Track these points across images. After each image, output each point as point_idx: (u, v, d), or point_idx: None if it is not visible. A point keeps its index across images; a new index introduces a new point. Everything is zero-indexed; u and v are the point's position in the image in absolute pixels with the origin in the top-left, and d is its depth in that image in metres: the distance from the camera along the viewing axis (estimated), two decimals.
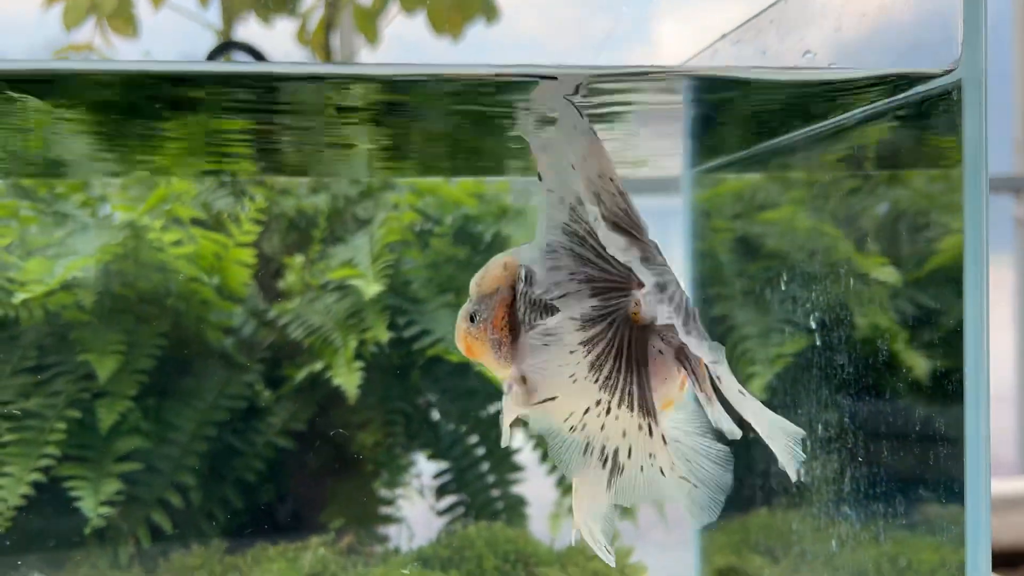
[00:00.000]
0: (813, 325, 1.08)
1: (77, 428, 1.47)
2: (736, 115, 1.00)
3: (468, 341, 0.66)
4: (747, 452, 1.35)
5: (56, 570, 1.41)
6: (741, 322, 1.37)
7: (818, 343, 1.06)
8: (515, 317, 0.64)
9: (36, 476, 1.37)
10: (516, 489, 1.84)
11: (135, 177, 1.53)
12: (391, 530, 1.71)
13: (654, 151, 1.23)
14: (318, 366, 1.57)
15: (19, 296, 1.34)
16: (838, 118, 0.95)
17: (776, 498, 1.22)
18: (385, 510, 1.74)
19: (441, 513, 1.80)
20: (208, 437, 1.53)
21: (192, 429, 1.53)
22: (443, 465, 1.84)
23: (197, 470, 1.51)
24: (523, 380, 0.62)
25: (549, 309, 0.62)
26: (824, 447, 1.04)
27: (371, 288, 1.56)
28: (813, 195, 1.16)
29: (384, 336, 1.55)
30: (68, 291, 1.47)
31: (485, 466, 1.84)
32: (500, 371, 0.66)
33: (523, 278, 0.64)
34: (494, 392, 1.79)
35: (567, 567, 1.35)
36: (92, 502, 1.34)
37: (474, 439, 1.86)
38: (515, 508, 1.81)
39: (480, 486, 1.81)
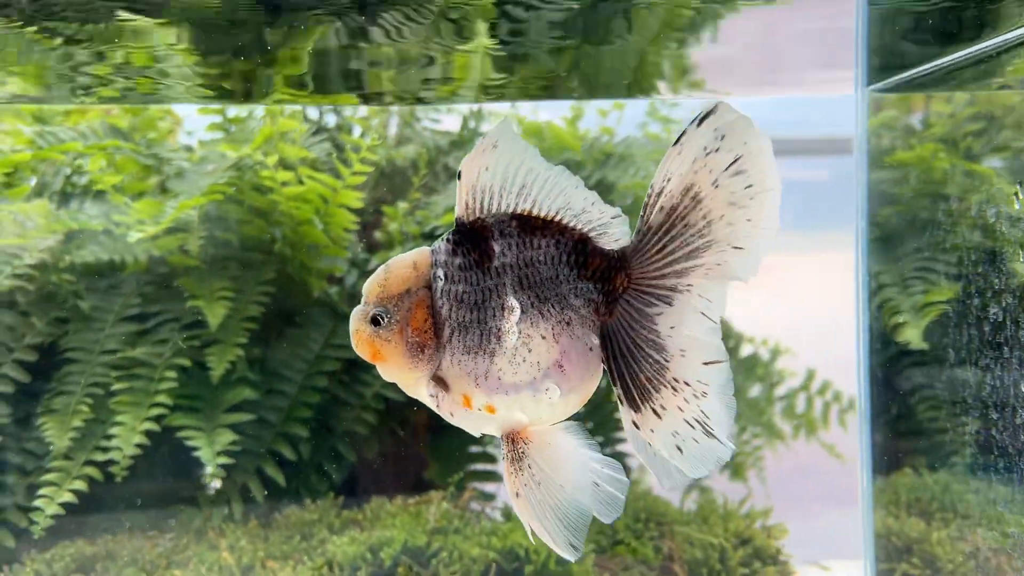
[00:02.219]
0: None
1: (186, 378, 1.40)
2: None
3: (375, 345, 0.63)
4: (911, 415, 1.25)
5: (170, 522, 1.36)
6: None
7: None
8: (438, 317, 0.62)
9: (149, 425, 1.31)
10: (620, 448, 1.77)
11: (238, 117, 1.46)
12: (501, 487, 1.64)
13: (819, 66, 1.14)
14: None
15: (133, 235, 1.27)
16: None
17: (947, 458, 1.13)
18: (493, 467, 1.67)
19: None
20: (317, 388, 1.47)
21: (301, 380, 1.47)
22: None
23: (307, 421, 1.44)
24: (443, 382, 0.63)
25: (480, 306, 0.61)
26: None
27: None
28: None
29: None
30: (175, 235, 1.41)
31: (588, 425, 1.77)
32: (408, 375, 0.64)
33: (441, 276, 0.62)
34: None
35: (703, 527, 1.27)
36: (209, 452, 1.27)
37: None
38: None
39: None
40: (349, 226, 1.53)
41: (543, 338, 0.61)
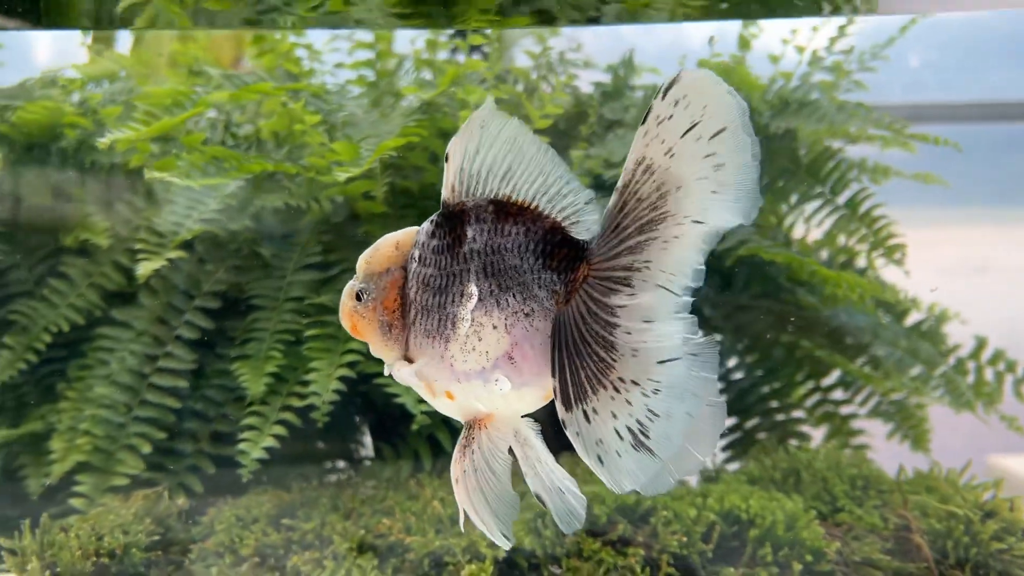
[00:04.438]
0: None
1: None
2: None
3: (354, 320, 0.64)
4: None
5: (360, 472, 1.33)
6: None
7: None
8: (406, 298, 0.62)
9: (344, 371, 1.28)
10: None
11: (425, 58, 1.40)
12: None
13: None
14: None
15: (340, 175, 1.23)
16: None
17: None
18: None
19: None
20: None
21: None
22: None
23: None
24: (410, 364, 0.62)
25: (443, 291, 0.60)
26: None
27: None
28: None
29: None
30: (365, 180, 1.37)
31: (765, 389, 1.68)
32: (385, 353, 0.64)
33: (416, 258, 0.62)
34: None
35: (931, 496, 1.17)
36: (411, 398, 1.24)
37: (752, 357, 1.71)
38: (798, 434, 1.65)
39: (762, 409, 1.65)
40: None
41: (494, 328, 0.59)
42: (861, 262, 1.73)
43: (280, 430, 1.27)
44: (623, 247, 0.56)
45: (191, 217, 1.40)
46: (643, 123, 0.55)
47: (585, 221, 0.60)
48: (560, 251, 0.59)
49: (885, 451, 1.71)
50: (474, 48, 1.60)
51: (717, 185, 0.55)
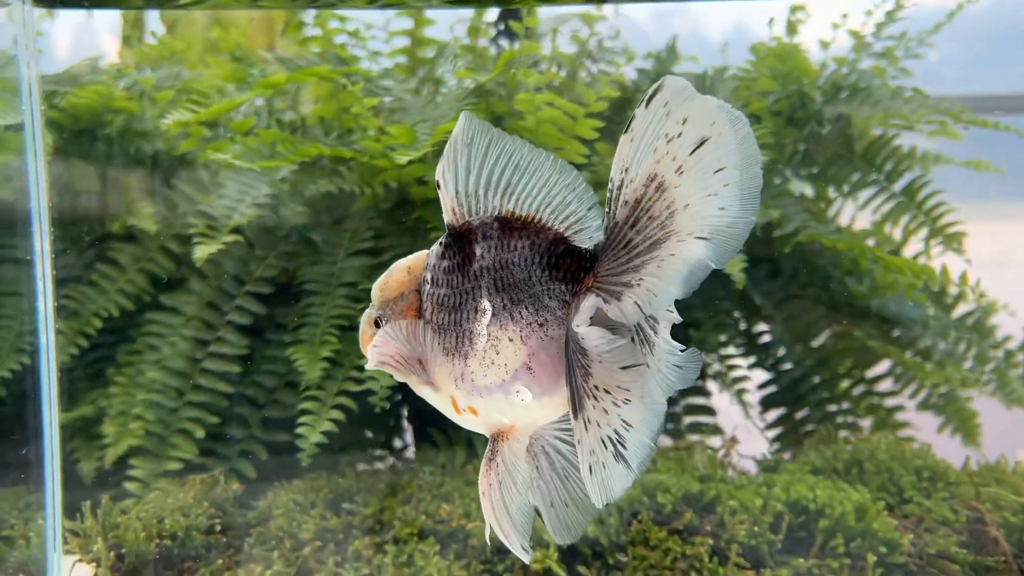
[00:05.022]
0: None
1: None
2: None
3: None
4: None
5: (428, 453, 1.32)
6: None
7: None
8: (423, 320, 0.63)
9: None
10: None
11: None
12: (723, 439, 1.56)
13: None
14: None
15: (401, 158, 1.22)
16: None
17: None
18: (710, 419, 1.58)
19: (770, 426, 1.64)
20: None
21: None
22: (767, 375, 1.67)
23: None
24: (433, 385, 0.63)
25: (457, 309, 0.61)
26: None
27: None
28: None
29: None
30: (419, 165, 1.35)
31: (815, 379, 1.66)
32: (407, 376, 0.64)
33: (428, 279, 0.63)
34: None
35: (1002, 488, 1.14)
36: None
37: (801, 347, 1.68)
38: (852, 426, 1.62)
39: (814, 399, 1.63)
40: (579, 160, 1.45)
41: (510, 340, 0.60)
42: (908, 251, 1.71)
43: (337, 414, 1.26)
44: (631, 265, 0.57)
45: (243, 202, 1.40)
46: (631, 133, 0.55)
47: (587, 228, 0.61)
48: (565, 261, 0.60)
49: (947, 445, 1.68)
50: (516, 34, 1.58)
51: (726, 202, 0.55)
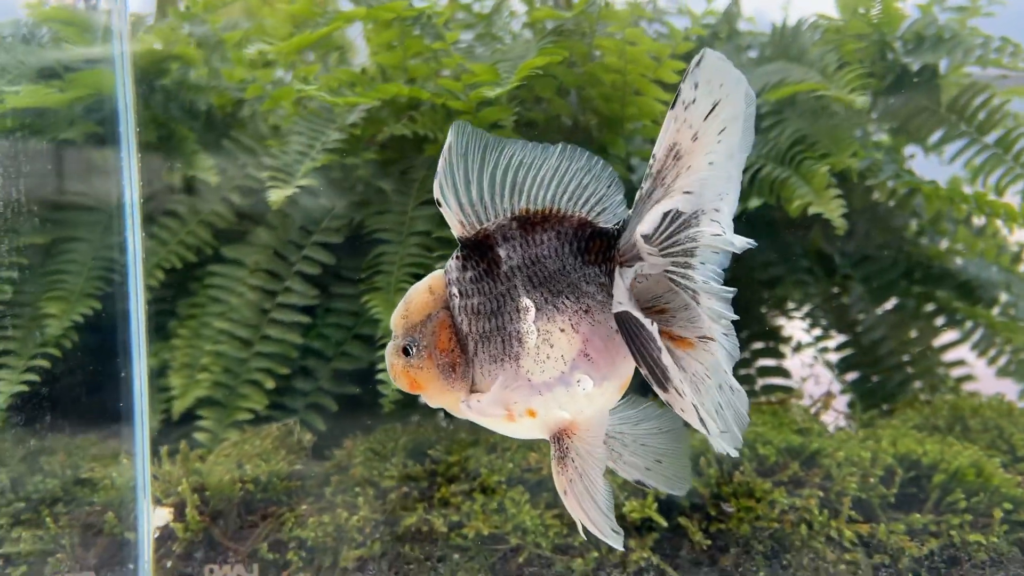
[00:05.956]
0: None
1: None
2: None
3: (410, 375, 0.63)
4: None
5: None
6: None
7: None
8: (460, 334, 0.61)
9: None
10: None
11: None
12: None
13: None
14: (754, 202, 1.35)
15: (489, 92, 1.16)
16: None
17: None
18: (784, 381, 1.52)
19: (844, 391, 1.58)
20: None
21: None
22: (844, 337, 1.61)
23: None
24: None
25: (496, 313, 0.60)
26: None
27: None
28: None
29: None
30: (495, 108, 1.30)
31: (890, 345, 1.59)
32: (447, 398, 0.62)
33: (456, 293, 0.61)
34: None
35: None
36: None
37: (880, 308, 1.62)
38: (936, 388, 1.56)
39: (891, 364, 1.57)
40: (659, 109, 1.39)
41: (562, 331, 0.59)
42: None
43: None
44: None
45: (314, 148, 1.35)
46: (674, 109, 0.55)
47: (611, 206, 0.60)
48: (594, 244, 0.59)
49: None
50: None
51: (716, 157, 0.55)
